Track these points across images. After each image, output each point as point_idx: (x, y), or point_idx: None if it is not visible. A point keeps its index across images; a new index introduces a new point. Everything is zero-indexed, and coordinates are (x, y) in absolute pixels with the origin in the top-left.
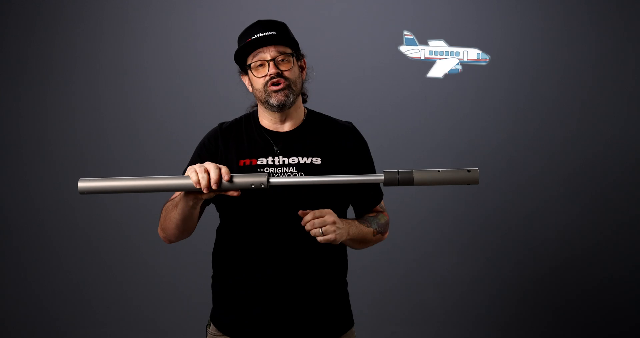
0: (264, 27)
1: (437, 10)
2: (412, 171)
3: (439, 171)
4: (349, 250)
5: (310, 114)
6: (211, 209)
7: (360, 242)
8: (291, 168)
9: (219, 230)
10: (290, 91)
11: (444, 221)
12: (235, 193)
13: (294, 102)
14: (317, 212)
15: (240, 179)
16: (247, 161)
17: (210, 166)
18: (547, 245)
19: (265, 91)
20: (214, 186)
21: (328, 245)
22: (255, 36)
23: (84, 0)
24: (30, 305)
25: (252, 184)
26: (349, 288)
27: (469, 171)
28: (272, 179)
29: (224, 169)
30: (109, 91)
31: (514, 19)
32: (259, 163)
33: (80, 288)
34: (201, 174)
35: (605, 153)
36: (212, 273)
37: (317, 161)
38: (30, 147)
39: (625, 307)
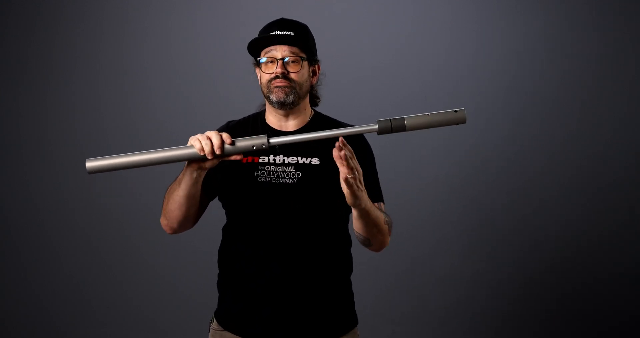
0: (283, 26)
1: (437, 10)
2: (404, 118)
3: (427, 114)
4: (351, 248)
5: (316, 116)
6: (212, 207)
7: (374, 225)
8: (290, 167)
9: (225, 229)
10: (291, 91)
11: (445, 220)
12: (238, 157)
13: (295, 103)
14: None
15: (242, 142)
16: (250, 159)
17: (211, 133)
18: (548, 245)
19: (268, 86)
20: (217, 151)
21: (334, 243)
22: (272, 33)
23: (84, 0)
24: (30, 305)
25: (253, 146)
26: None
27: (456, 111)
28: (272, 140)
29: (225, 134)
30: (109, 91)
31: (514, 19)
32: (260, 160)
33: (80, 288)
34: (204, 141)
35: (605, 153)
36: (217, 272)
37: (315, 161)
38: (30, 147)
39: (626, 307)
